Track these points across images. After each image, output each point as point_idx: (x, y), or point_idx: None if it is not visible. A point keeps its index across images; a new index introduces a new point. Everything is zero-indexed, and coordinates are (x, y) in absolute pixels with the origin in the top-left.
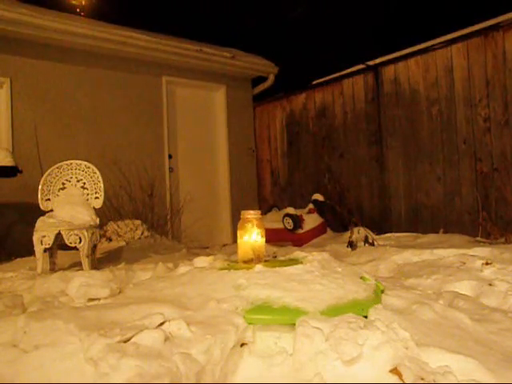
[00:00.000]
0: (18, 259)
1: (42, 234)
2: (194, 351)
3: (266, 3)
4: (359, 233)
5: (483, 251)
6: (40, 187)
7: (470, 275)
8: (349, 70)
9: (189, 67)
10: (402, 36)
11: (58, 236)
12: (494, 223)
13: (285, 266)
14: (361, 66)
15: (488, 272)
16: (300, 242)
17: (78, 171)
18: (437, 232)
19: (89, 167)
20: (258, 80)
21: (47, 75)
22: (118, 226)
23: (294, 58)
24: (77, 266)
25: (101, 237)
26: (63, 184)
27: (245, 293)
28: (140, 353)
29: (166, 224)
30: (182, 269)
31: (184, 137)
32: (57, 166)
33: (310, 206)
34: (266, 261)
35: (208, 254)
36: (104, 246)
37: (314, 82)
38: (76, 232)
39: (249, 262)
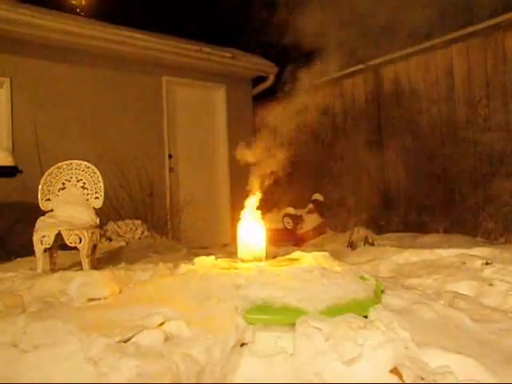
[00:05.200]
0: (18, 259)
1: (42, 234)
2: (194, 351)
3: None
4: (359, 233)
5: (483, 251)
6: (40, 187)
7: (470, 275)
8: (349, 70)
9: (189, 67)
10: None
11: (58, 236)
12: (494, 223)
13: (285, 266)
14: (361, 66)
15: (488, 272)
16: (300, 241)
17: (77, 171)
18: (437, 232)
19: (89, 167)
20: (258, 80)
21: (47, 75)
22: (118, 226)
23: (294, 58)
24: (77, 266)
25: (101, 237)
26: (63, 184)
27: (245, 293)
28: (140, 353)
29: (166, 224)
30: (182, 269)
31: (184, 137)
32: (57, 166)
33: (310, 205)
34: (266, 261)
35: (208, 254)
36: (104, 246)
37: (314, 82)
38: (76, 232)
39: (249, 262)
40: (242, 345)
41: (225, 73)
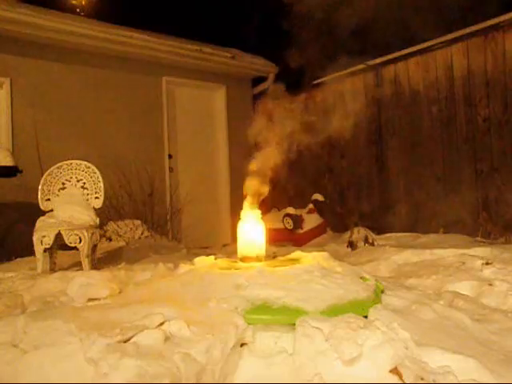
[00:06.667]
0: (18, 259)
1: (42, 234)
2: (193, 351)
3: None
4: (359, 233)
5: (483, 251)
6: (40, 187)
7: (470, 275)
8: (349, 70)
9: (189, 67)
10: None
11: (58, 236)
12: (494, 223)
13: (285, 266)
14: (361, 66)
15: (488, 272)
16: (300, 241)
17: (78, 171)
18: (437, 232)
19: (89, 167)
20: (258, 80)
21: (47, 75)
22: (118, 226)
23: (294, 58)
24: (77, 265)
25: (101, 237)
26: (63, 184)
27: (245, 293)
28: (140, 353)
29: (166, 224)
30: (182, 269)
31: (184, 137)
32: (57, 166)
33: (310, 205)
34: (266, 261)
35: (208, 254)
36: (104, 246)
37: (315, 82)
38: (76, 232)
39: (249, 262)
40: (242, 345)
41: (225, 73)
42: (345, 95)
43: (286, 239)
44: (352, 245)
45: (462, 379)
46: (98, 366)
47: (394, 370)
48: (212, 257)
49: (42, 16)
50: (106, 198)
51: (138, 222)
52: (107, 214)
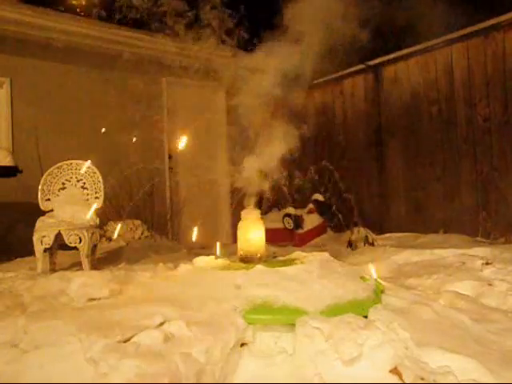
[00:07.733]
0: (18, 259)
1: (42, 234)
2: (194, 351)
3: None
4: (359, 233)
5: (483, 251)
6: (40, 187)
7: (470, 275)
8: (349, 70)
9: (189, 67)
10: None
11: (58, 236)
12: (494, 223)
13: (285, 266)
14: (361, 66)
15: (488, 272)
16: (300, 242)
17: (78, 171)
18: (437, 232)
19: (89, 167)
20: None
21: (47, 75)
22: None
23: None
24: (77, 265)
25: (101, 237)
26: (63, 184)
27: (245, 293)
28: (140, 353)
29: (166, 224)
30: (182, 269)
31: (184, 137)
32: (57, 165)
33: (310, 205)
34: (265, 261)
35: (208, 254)
36: (104, 246)
37: (314, 82)
38: (76, 232)
39: (249, 262)
40: (242, 345)
41: (225, 73)
42: (345, 95)
43: (285, 239)
44: (352, 245)
45: (462, 379)
46: (97, 366)
47: (394, 370)
48: (212, 257)
49: (43, 16)
50: (105, 198)
51: (138, 222)
52: (107, 213)
